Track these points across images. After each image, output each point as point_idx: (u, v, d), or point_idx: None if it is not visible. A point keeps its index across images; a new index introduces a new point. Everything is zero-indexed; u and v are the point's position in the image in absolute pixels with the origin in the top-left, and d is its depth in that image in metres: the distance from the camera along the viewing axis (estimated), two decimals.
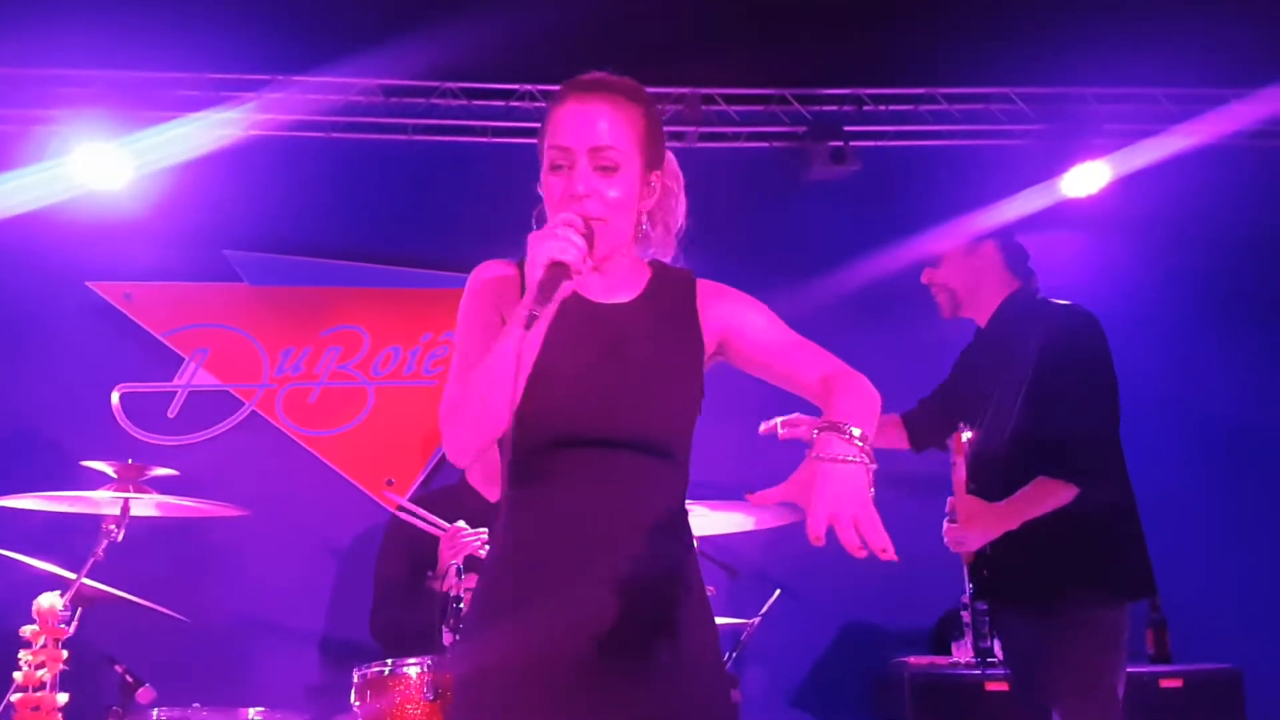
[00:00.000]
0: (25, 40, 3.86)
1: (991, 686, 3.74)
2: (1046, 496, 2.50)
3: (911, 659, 3.90)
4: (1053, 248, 3.77)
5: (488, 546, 2.89)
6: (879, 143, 4.44)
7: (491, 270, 1.78)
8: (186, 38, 3.88)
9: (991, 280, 2.84)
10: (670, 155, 1.81)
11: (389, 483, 4.18)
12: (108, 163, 3.92)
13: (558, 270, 1.54)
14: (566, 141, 1.65)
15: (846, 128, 4.33)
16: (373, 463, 4.23)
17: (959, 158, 4.47)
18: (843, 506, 1.48)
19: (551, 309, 1.57)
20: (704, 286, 1.81)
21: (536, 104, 4.31)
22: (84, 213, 4.04)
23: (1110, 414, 2.61)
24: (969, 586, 2.78)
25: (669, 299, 1.78)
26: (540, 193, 1.72)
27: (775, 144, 4.47)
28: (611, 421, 1.68)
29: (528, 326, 1.53)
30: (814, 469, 1.53)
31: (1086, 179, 4.29)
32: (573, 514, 1.66)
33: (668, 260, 1.85)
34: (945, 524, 2.66)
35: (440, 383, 4.31)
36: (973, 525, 2.56)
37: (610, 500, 1.67)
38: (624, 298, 1.77)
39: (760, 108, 4.47)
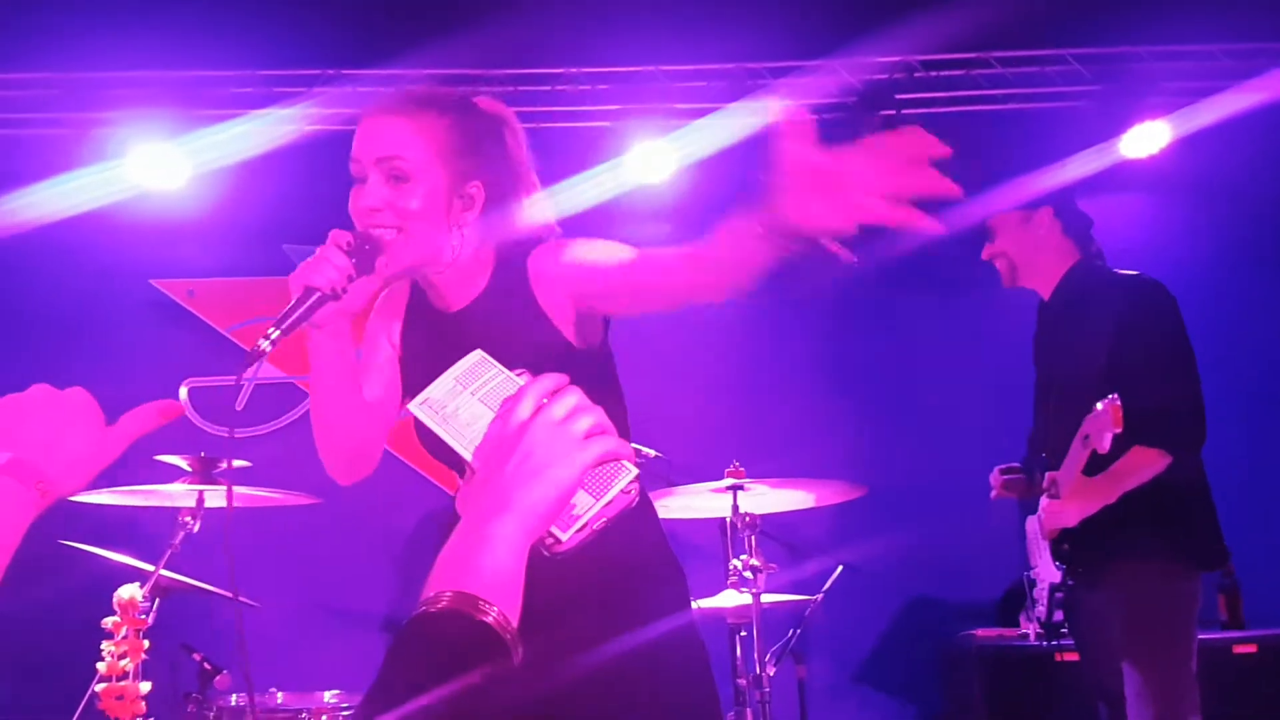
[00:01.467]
0: (82, 45, 3.93)
1: (1062, 658, 3.70)
2: (1143, 467, 2.48)
3: (979, 632, 3.87)
4: (1112, 211, 3.70)
5: None
6: (932, 109, 4.38)
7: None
8: (240, 36, 3.93)
9: (1051, 250, 2.78)
10: (507, 135, 1.75)
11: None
12: (166, 163, 4.00)
13: (308, 295, 1.52)
14: (356, 152, 1.65)
15: (898, 96, 4.27)
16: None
17: (1014, 123, 4.39)
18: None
19: (324, 330, 1.59)
20: (536, 261, 1.71)
21: (580, 88, 4.30)
22: (146, 212, 4.12)
23: (1197, 382, 2.57)
24: (1035, 562, 2.75)
25: (506, 287, 1.72)
26: None
27: (824, 115, 4.41)
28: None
29: (252, 356, 1.50)
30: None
31: (1146, 140, 4.20)
32: None
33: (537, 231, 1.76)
34: (1044, 500, 2.63)
35: None
36: (1073, 500, 2.53)
37: None
38: (466, 299, 1.73)
39: (808, 79, 4.42)
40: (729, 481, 3.07)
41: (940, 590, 4.21)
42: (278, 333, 1.49)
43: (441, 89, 1.72)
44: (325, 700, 3.14)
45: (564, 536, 0.97)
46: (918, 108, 4.33)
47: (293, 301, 1.53)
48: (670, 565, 1.74)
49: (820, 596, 3.29)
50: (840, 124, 4.34)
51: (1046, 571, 2.68)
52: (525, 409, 0.98)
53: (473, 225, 1.68)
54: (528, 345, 1.64)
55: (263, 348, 1.48)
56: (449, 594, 0.88)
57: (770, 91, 4.25)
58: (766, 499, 3.17)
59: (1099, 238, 2.87)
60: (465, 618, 0.86)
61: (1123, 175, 4.23)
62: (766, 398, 4.32)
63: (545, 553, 0.97)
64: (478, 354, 1.06)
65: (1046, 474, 2.63)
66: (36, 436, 0.97)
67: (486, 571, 0.89)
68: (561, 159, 4.28)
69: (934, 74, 4.39)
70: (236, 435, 4.19)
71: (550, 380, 1.01)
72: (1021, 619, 3.86)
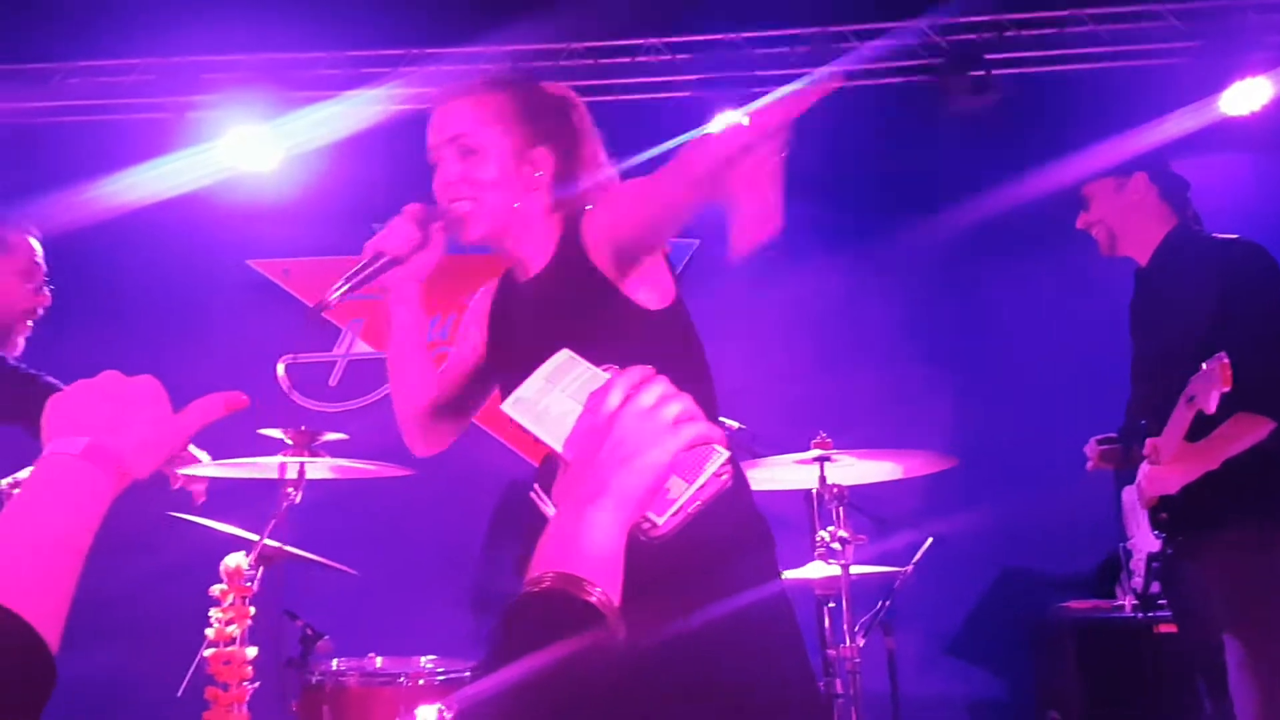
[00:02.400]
0: (178, 30, 4.04)
1: (1160, 630, 3.63)
2: (1246, 433, 2.43)
3: (1073, 604, 3.80)
4: (1211, 170, 3.57)
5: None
6: (1022, 69, 4.26)
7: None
8: (328, 18, 4.00)
9: (1147, 216, 2.72)
10: (581, 117, 1.83)
11: (537, 440, 4.29)
12: (259, 145, 4.10)
13: (376, 259, 1.67)
14: (430, 140, 1.78)
15: (987, 55, 4.17)
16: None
17: (1109, 81, 4.26)
18: None
19: (405, 302, 1.73)
20: (588, 217, 1.74)
21: (662, 58, 4.29)
22: (241, 194, 4.23)
23: None
24: (1132, 532, 2.69)
25: (569, 255, 1.76)
26: None
27: (910, 78, 4.33)
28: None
29: (318, 309, 1.65)
30: None
31: (1247, 97, 4.04)
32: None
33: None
34: (1144, 467, 2.58)
35: None
36: (1175, 466, 2.48)
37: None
38: (538, 268, 1.80)
39: (894, 42, 4.33)
40: (815, 453, 3.05)
41: (1033, 562, 4.15)
42: (346, 287, 1.64)
43: (500, 70, 1.83)
44: (422, 665, 3.23)
45: (660, 521, 0.99)
46: (1008, 68, 4.22)
47: (355, 267, 1.68)
48: (763, 536, 1.76)
49: (910, 568, 3.26)
50: (928, 87, 4.26)
51: (1144, 541, 2.62)
52: (614, 399, 1.00)
53: (544, 191, 1.77)
54: (596, 312, 1.70)
55: (329, 299, 1.63)
56: (552, 574, 0.91)
57: (855, 55, 4.19)
58: (854, 470, 3.15)
59: (1198, 199, 2.79)
60: (570, 597, 0.89)
61: (1222, 134, 4.07)
62: (853, 367, 4.28)
63: (642, 538, 0.99)
64: (565, 353, 1.09)
65: (1147, 440, 2.57)
66: (108, 421, 1.01)
67: (587, 554, 0.92)
68: (644, 131, 4.27)
69: (1025, 33, 4.27)
70: (331, 410, 4.31)
71: (637, 371, 1.02)
72: (1117, 591, 3.79)
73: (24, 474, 2.54)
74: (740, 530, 1.73)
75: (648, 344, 1.69)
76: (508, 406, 1.07)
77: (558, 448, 1.04)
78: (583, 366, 1.07)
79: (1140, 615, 3.66)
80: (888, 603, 3.28)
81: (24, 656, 0.86)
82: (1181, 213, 2.73)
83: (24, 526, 0.93)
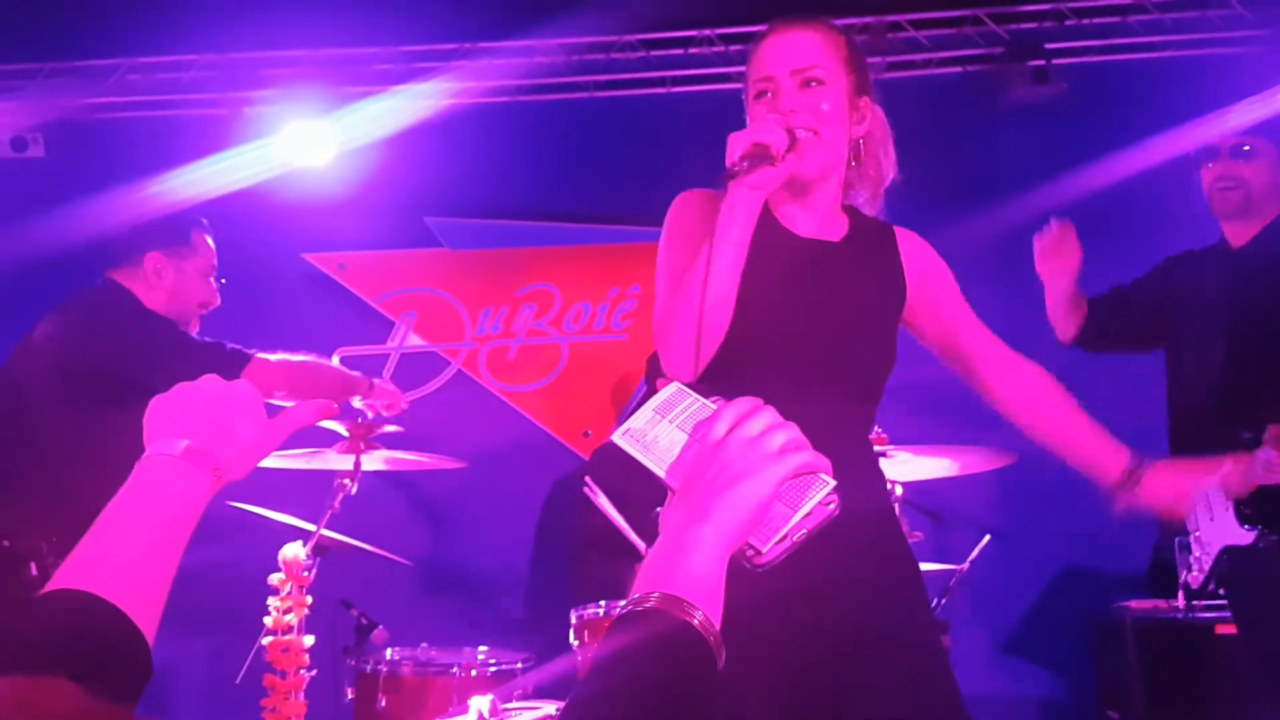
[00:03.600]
0: (235, 27, 4.09)
1: (1222, 629, 3.55)
2: None
3: (1134, 603, 3.73)
4: None
5: None
6: (1084, 59, 4.18)
7: (693, 196, 1.81)
8: (382, 12, 4.03)
9: (1274, 200, 2.69)
10: (879, 109, 1.82)
11: (586, 434, 4.30)
12: (314, 139, 4.13)
13: (758, 149, 1.58)
14: (769, 69, 1.73)
15: (1048, 45, 4.10)
16: (569, 415, 4.35)
17: (1173, 71, 4.16)
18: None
19: (745, 227, 1.62)
20: (904, 237, 1.83)
21: (715, 49, 4.26)
22: (296, 189, 4.27)
23: None
24: (1201, 524, 2.62)
25: (871, 244, 1.81)
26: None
27: (969, 68, 4.26)
28: (815, 354, 1.71)
29: (724, 183, 1.58)
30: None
31: None
32: None
33: (871, 213, 1.86)
34: (1265, 453, 2.50)
35: (629, 336, 4.37)
36: None
37: (816, 437, 1.65)
38: (830, 237, 1.79)
39: (952, 30, 4.27)
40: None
41: (1092, 560, 4.07)
42: (746, 166, 1.57)
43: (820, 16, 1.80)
44: (475, 656, 3.24)
45: (764, 548, 0.98)
46: (1069, 58, 4.14)
47: (744, 150, 1.59)
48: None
49: (966, 566, 3.22)
50: (988, 77, 4.19)
51: (1218, 535, 2.55)
52: (721, 428, 1.00)
53: (861, 144, 1.78)
54: (880, 298, 1.78)
55: (733, 173, 1.57)
56: (656, 595, 0.91)
57: (913, 46, 4.13)
58: (910, 466, 3.12)
59: None
60: (671, 618, 0.90)
61: None
62: (911, 362, 4.21)
63: (746, 565, 0.99)
64: (675, 385, 1.09)
65: (1270, 427, 2.50)
66: (208, 424, 1.04)
67: (689, 575, 0.92)
68: (698, 123, 4.25)
69: (1086, 21, 4.19)
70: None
71: (745, 402, 1.03)
72: (1179, 566, 3.71)
73: None
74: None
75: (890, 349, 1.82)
76: (617, 437, 1.07)
77: (664, 476, 1.04)
78: (691, 398, 1.08)
79: (1201, 615, 3.59)
80: (944, 600, 3.24)
81: (124, 648, 0.89)
82: None
83: (125, 524, 0.97)
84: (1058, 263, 2.84)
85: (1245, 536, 2.47)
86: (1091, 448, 1.84)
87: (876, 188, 1.83)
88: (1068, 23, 4.18)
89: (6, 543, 2.56)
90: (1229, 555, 2.49)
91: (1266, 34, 4.08)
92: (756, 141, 1.58)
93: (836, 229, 1.80)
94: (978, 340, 1.85)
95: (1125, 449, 1.79)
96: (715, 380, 1.66)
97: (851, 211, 1.83)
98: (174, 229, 2.95)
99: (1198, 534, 2.61)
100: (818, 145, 1.69)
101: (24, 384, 2.71)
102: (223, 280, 3.05)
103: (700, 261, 1.60)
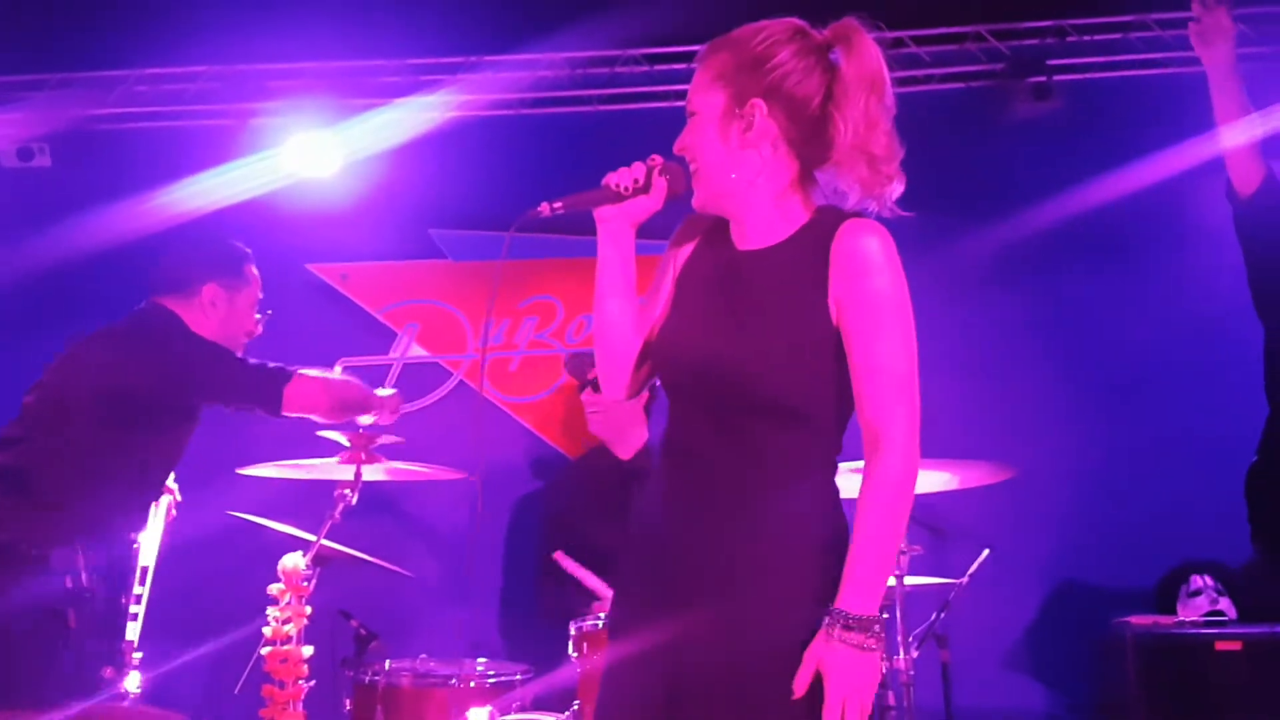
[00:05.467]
0: (241, 38, 4.12)
1: (1222, 646, 3.55)
2: None
3: (1134, 619, 3.73)
4: None
5: None
6: (1085, 75, 4.19)
7: (684, 223, 1.88)
8: (389, 25, 4.05)
9: None
10: (860, 59, 1.68)
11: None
12: (318, 151, 4.15)
13: (600, 189, 1.77)
14: None
15: (1049, 61, 4.11)
16: (570, 427, 4.36)
17: (1174, 87, 4.16)
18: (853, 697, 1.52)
19: (623, 247, 1.78)
20: (845, 231, 1.62)
21: None
22: (300, 200, 4.29)
23: None
24: None
25: (809, 245, 1.66)
26: None
27: (971, 84, 4.27)
28: (726, 376, 1.62)
29: (529, 217, 1.76)
30: (829, 649, 1.53)
31: None
32: (677, 485, 1.69)
33: (878, 206, 1.68)
34: None
35: None
36: None
37: (727, 473, 1.63)
38: (762, 243, 1.72)
39: (953, 46, 4.28)
40: None
41: (1092, 575, 4.07)
42: (559, 204, 1.76)
43: (768, 24, 1.75)
44: (474, 668, 3.24)
45: None
46: (1071, 74, 4.16)
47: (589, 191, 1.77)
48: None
49: (965, 580, 3.22)
50: (989, 93, 4.21)
51: None
52: None
53: (765, 151, 1.70)
54: (793, 313, 1.63)
55: (542, 211, 1.75)
56: None
57: (915, 62, 4.15)
58: None
59: None
60: None
61: None
62: None
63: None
64: None
65: None
66: None
67: None
68: None
69: (1087, 38, 4.20)
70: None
71: None
72: (1179, 606, 3.71)
73: None
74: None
75: (815, 362, 1.64)
76: None
77: None
78: None
79: (1201, 631, 3.59)
80: (942, 614, 3.24)
81: None
82: None
83: None
84: (1215, 49, 2.75)
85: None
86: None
87: (869, 180, 1.66)
88: (1069, 39, 4.19)
89: (37, 552, 2.60)
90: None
91: (1268, 50, 4.09)
92: (603, 181, 1.77)
93: (778, 233, 1.70)
94: (859, 389, 1.61)
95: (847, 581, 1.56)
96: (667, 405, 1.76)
97: (821, 212, 1.71)
98: (230, 261, 3.08)
99: None
100: (698, 175, 1.75)
101: (69, 402, 2.76)
102: (269, 311, 3.19)
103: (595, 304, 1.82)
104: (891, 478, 1.57)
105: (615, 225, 1.78)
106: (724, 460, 1.64)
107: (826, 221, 1.67)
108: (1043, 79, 4.04)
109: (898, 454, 1.57)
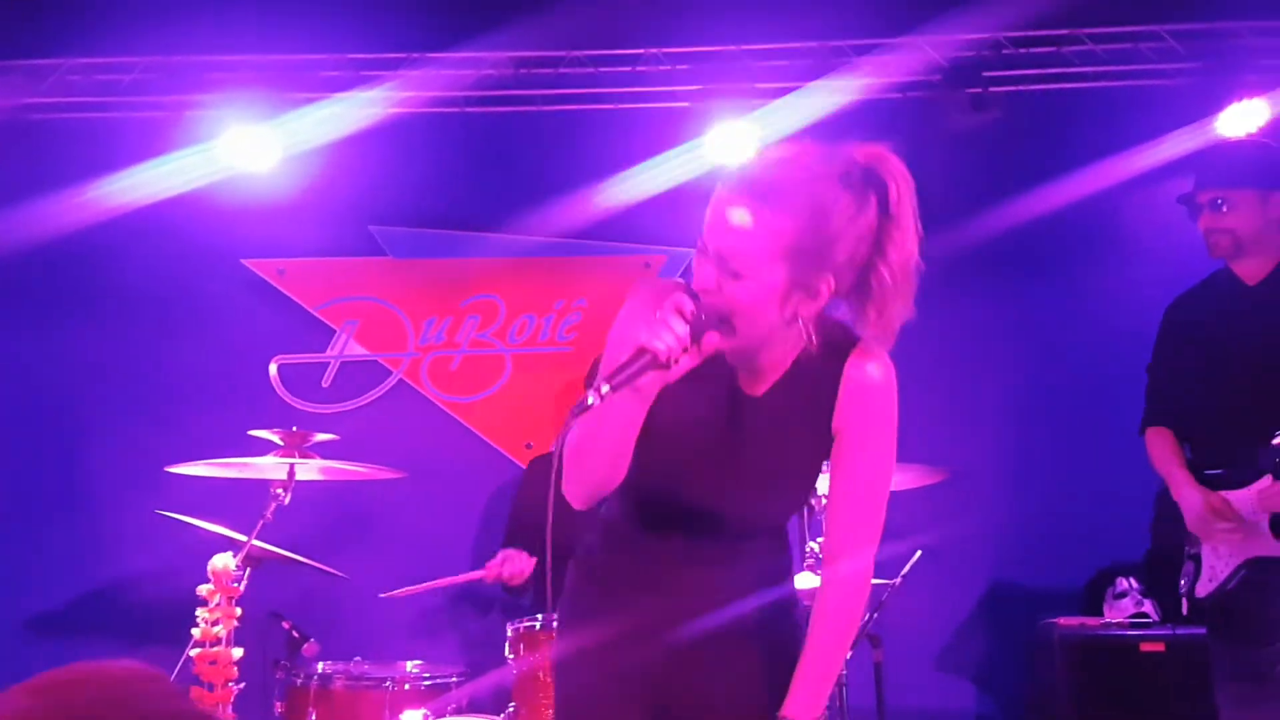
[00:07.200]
0: (178, 29, 4.05)
1: (1146, 647, 3.64)
2: None
3: (1061, 620, 3.81)
4: None
5: None
6: (1021, 88, 4.28)
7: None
8: (329, 19, 4.01)
9: (1275, 235, 2.77)
10: (904, 242, 1.59)
11: (528, 446, 4.30)
12: (256, 144, 4.09)
13: (642, 358, 1.46)
14: (704, 232, 1.56)
15: (985, 73, 4.18)
16: (512, 427, 4.35)
17: (1107, 101, 4.27)
18: None
19: (654, 385, 1.51)
20: (852, 375, 1.63)
21: (661, 68, 4.30)
22: (237, 194, 4.23)
23: None
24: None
25: (812, 383, 1.64)
26: None
27: (909, 94, 4.34)
28: (717, 517, 1.67)
29: (578, 413, 1.45)
30: None
31: (1244, 118, 4.04)
32: (659, 566, 1.70)
33: (883, 337, 1.63)
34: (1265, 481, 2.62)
35: (574, 348, 4.38)
36: None
37: (699, 571, 1.68)
38: (769, 378, 1.66)
39: (891, 56, 4.34)
40: None
41: (1022, 577, 4.15)
42: (608, 389, 1.46)
43: (807, 166, 1.54)
44: (408, 670, 3.22)
45: None
46: (1006, 85, 4.23)
47: (626, 358, 1.48)
48: None
49: (898, 581, 3.26)
50: (926, 103, 4.27)
51: (1240, 549, 2.64)
52: None
53: (814, 314, 1.58)
54: (798, 452, 1.66)
55: (590, 402, 1.45)
56: None
57: (853, 69, 4.20)
58: None
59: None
60: None
61: None
62: None
63: None
64: None
65: None
66: None
67: None
68: (642, 139, 4.29)
69: (1023, 51, 4.28)
70: (324, 411, 4.31)
71: None
72: (1106, 608, 3.80)
73: None
74: None
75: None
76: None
77: None
78: None
79: (1126, 633, 3.68)
80: (875, 615, 3.27)
81: None
82: None
83: None
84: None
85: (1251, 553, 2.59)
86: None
87: (879, 321, 1.60)
88: (1005, 52, 4.27)
89: None
90: (1249, 567, 2.62)
91: (1196, 66, 4.20)
92: (643, 346, 1.47)
93: (783, 361, 1.65)
94: (833, 503, 1.65)
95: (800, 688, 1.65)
96: (623, 500, 1.69)
97: (824, 328, 1.61)
98: None
99: (1203, 546, 2.72)
100: (732, 331, 1.54)
101: None
102: None
103: (595, 431, 1.56)
104: (849, 593, 1.67)
105: (656, 389, 1.53)
106: (692, 561, 1.70)
107: (833, 343, 1.63)
108: (979, 90, 4.11)
109: (859, 572, 1.66)
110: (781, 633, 1.73)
